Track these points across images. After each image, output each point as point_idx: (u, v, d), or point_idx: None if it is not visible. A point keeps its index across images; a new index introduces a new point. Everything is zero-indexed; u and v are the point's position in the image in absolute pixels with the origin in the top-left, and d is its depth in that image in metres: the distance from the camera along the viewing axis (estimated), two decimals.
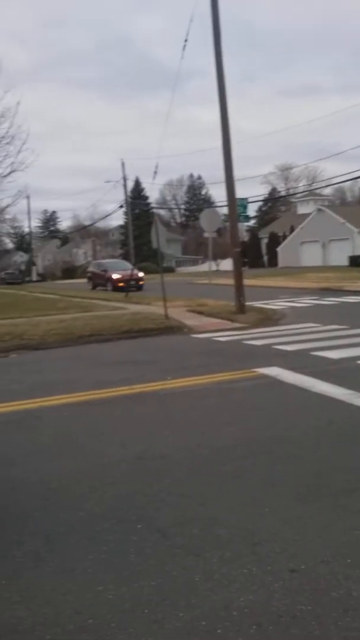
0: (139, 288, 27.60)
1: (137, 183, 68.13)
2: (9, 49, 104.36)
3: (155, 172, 27.20)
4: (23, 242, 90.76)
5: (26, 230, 78.53)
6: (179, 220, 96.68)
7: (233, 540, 3.23)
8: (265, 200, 75.69)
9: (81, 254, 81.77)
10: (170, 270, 59.09)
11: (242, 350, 10.06)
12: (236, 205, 16.09)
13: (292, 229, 54.86)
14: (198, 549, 3.14)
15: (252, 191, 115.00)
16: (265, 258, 58.55)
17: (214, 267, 41.76)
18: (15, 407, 6.40)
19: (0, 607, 2.68)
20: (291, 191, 75.92)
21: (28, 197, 54.77)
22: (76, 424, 5.77)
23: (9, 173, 22.79)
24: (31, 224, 73.91)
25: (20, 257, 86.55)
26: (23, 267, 68.93)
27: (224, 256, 48.40)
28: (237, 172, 15.28)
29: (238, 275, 15.25)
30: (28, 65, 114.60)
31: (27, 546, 3.25)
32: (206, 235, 31.29)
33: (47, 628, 2.52)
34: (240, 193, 17.31)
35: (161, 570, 2.95)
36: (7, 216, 33.59)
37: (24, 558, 3.13)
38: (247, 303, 15.28)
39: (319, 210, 52.33)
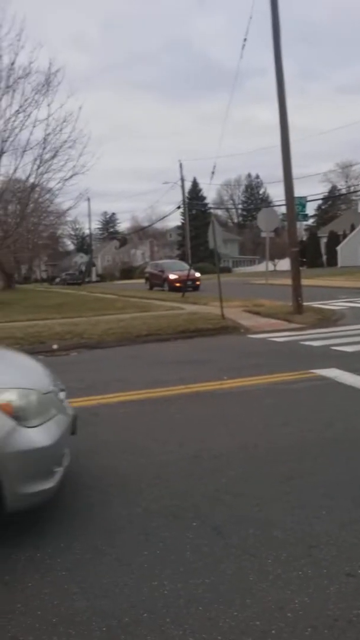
0: (196, 288, 27.66)
1: (195, 184, 68.45)
2: (71, 53, 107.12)
3: (213, 173, 27.16)
4: (83, 244, 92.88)
5: (86, 231, 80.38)
6: (236, 220, 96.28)
7: (289, 541, 3.21)
8: (325, 199, 74.33)
9: (139, 255, 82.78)
10: (227, 270, 58.96)
11: (300, 351, 9.93)
12: (295, 204, 15.86)
13: (352, 228, 53.56)
14: (253, 549, 3.14)
15: (311, 190, 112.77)
16: (324, 257, 57.44)
17: (271, 267, 41.37)
18: (74, 404, 6.53)
19: (59, 597, 2.77)
20: (352, 189, 74.19)
21: (88, 200, 55.95)
22: (133, 422, 5.86)
23: (71, 176, 23.37)
24: (91, 226, 75.60)
25: (81, 258, 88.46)
26: (83, 268, 70.39)
27: (281, 256, 47.82)
28: (295, 171, 15.11)
29: (296, 275, 15.04)
30: (88, 69, 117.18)
31: (86, 539, 3.34)
32: (263, 235, 30.98)
33: (104, 620, 2.58)
34: (299, 192, 17.08)
35: (216, 569, 2.96)
36: (69, 218, 34.48)
37: (83, 550, 3.21)
38: (305, 303, 15.06)
39: None
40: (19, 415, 3.34)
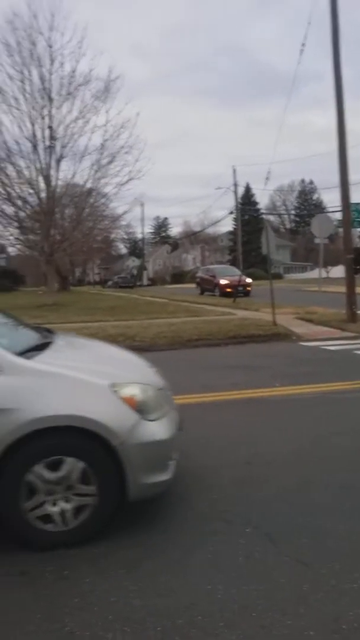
0: (246, 294, 27.53)
1: (248, 189, 68.30)
2: (130, 60, 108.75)
3: (267, 178, 27.12)
4: (136, 248, 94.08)
5: (139, 236, 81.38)
6: (288, 226, 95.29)
7: (343, 552, 3.18)
8: None
9: (190, 260, 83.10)
10: (278, 276, 58.27)
11: (353, 360, 9.76)
12: (351, 210, 15.60)
13: None
14: (307, 558, 3.12)
15: None
16: None
17: (324, 274, 40.65)
18: None
19: (116, 594, 2.84)
20: None
21: (142, 204, 56.58)
22: (186, 426, 5.89)
23: (127, 181, 23.72)
24: (144, 230, 76.46)
25: (133, 262, 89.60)
26: (135, 272, 71.28)
27: (335, 263, 46.97)
28: (352, 176, 14.86)
29: (350, 282, 14.78)
30: (146, 76, 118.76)
31: (141, 539, 3.40)
32: (317, 241, 30.52)
33: (158, 620, 2.63)
34: (355, 198, 16.77)
35: (269, 576, 2.97)
36: (123, 222, 34.87)
37: (139, 550, 3.28)
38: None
39: None
40: (141, 409, 3.53)
